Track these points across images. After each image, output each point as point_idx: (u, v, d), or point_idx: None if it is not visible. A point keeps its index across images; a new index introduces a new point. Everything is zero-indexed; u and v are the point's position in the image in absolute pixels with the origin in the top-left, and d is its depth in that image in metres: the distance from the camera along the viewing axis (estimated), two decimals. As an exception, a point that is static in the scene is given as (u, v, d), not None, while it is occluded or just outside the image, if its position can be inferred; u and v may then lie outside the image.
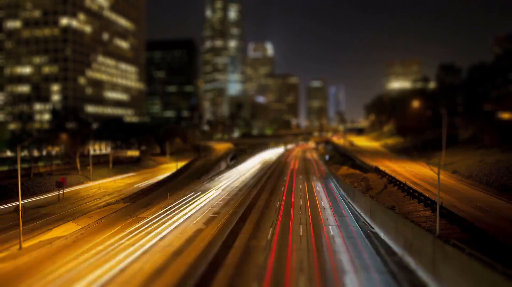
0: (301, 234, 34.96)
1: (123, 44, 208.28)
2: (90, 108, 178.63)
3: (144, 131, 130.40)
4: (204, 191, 62.78)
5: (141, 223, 40.89)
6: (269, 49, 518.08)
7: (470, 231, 28.04)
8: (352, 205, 47.45)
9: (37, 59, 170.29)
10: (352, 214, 43.06)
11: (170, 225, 40.03)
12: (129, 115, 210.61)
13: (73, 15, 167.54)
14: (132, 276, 25.51)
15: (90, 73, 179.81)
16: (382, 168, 67.92)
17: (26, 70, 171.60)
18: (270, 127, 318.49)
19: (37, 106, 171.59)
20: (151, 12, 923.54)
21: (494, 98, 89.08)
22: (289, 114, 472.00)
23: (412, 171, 66.74)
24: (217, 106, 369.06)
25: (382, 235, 33.25)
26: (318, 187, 64.76)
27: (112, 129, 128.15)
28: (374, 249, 30.19)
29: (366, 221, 39.20)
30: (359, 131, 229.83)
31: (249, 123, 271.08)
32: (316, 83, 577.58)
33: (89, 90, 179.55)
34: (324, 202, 51.12)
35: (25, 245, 33.70)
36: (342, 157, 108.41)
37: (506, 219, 33.51)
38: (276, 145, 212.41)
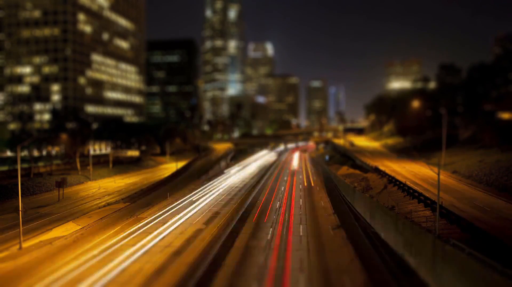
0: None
1: (123, 44, 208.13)
2: (90, 108, 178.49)
3: (144, 131, 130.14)
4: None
5: (141, 223, 40.88)
6: (269, 49, 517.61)
7: (470, 231, 28.03)
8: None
9: (37, 59, 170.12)
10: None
11: (170, 225, 40.05)
12: (129, 115, 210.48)
13: (73, 15, 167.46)
14: (133, 276, 25.53)
15: (90, 73, 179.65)
16: (382, 168, 67.89)
17: (26, 70, 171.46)
18: (270, 127, 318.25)
19: (37, 106, 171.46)
20: (151, 12, 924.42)
21: (494, 98, 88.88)
22: (289, 114, 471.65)
23: (412, 171, 66.66)
24: (217, 106, 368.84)
25: (382, 235, 33.26)
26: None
27: (112, 129, 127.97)
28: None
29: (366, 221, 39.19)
30: (359, 131, 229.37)
31: (249, 123, 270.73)
32: (316, 83, 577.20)
33: (89, 90, 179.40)
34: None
35: (25, 245, 33.67)
36: (342, 157, 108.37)
37: (506, 219, 33.50)
38: (277, 144, 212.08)
